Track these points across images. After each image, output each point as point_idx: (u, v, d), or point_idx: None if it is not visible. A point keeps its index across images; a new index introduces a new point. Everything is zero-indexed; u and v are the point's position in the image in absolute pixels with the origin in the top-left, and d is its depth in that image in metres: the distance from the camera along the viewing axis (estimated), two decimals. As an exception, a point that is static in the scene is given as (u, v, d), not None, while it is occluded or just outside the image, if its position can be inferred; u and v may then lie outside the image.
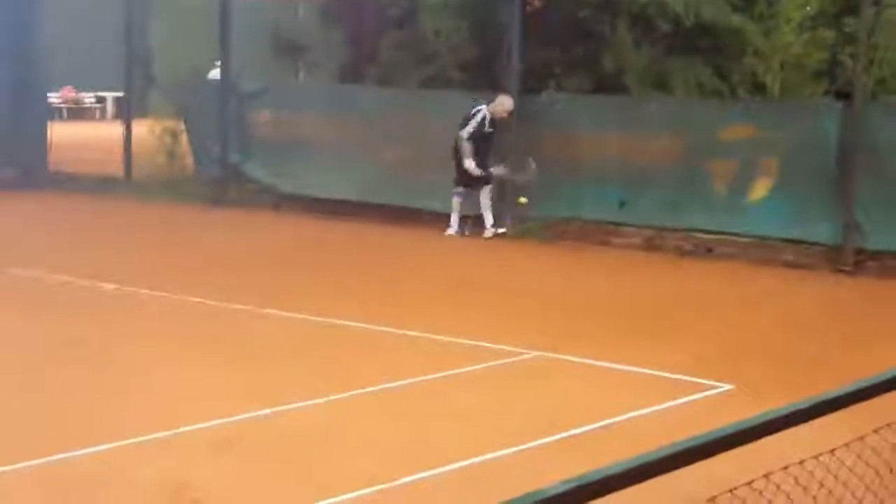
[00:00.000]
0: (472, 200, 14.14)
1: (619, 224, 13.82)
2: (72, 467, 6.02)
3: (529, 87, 14.38)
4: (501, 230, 14.04)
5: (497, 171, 14.12)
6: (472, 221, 14.19)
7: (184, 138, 17.78)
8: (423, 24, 16.86)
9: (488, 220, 14.05)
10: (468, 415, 7.07)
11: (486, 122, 14.02)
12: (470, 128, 13.98)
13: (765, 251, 12.81)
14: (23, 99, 18.27)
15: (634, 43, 15.08)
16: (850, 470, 3.82)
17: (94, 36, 21.47)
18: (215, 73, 18.44)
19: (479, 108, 14.06)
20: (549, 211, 14.11)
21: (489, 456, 6.24)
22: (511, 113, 14.05)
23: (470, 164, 13.96)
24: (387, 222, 14.75)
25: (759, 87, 14.32)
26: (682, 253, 13.19)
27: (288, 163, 16.28)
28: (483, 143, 14.04)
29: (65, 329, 9.15)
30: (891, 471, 4.02)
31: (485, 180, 14.08)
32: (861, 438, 3.62)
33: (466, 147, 13.99)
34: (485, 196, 14.10)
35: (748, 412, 2.87)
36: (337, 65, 18.57)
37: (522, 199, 13.96)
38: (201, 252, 13.05)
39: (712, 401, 7.48)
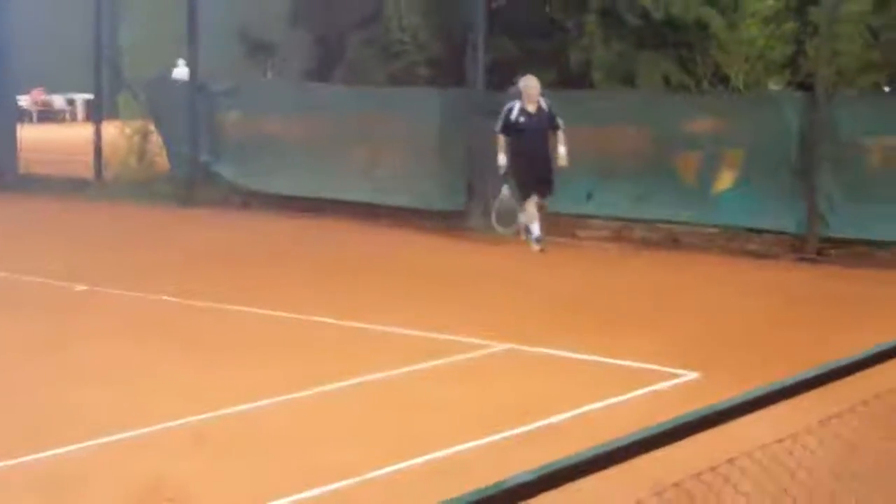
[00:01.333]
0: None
1: (586, 216, 13.96)
2: (47, 466, 6.08)
3: (495, 82, 14.46)
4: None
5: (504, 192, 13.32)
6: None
7: (154, 139, 17.77)
8: (390, 21, 16.93)
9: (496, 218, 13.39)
10: (442, 407, 7.18)
11: (514, 112, 13.20)
12: (499, 122, 13.28)
13: (730, 241, 12.98)
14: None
15: (603, 37, 15.20)
16: (813, 453, 3.95)
17: (64, 38, 21.42)
18: (179, 72, 18.44)
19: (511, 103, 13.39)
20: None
21: (463, 447, 6.36)
22: (536, 88, 13.24)
23: (501, 158, 13.22)
24: (356, 219, 14.82)
25: (723, 80, 14.48)
26: (649, 244, 13.34)
27: (257, 161, 16.32)
28: (518, 135, 13.21)
29: (38, 329, 9.19)
30: (852, 453, 4.16)
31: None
32: (823, 423, 3.75)
33: (499, 140, 13.28)
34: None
35: (714, 399, 2.98)
36: (305, 63, 18.61)
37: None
38: (172, 251, 13.09)
39: (679, 388, 7.63)
